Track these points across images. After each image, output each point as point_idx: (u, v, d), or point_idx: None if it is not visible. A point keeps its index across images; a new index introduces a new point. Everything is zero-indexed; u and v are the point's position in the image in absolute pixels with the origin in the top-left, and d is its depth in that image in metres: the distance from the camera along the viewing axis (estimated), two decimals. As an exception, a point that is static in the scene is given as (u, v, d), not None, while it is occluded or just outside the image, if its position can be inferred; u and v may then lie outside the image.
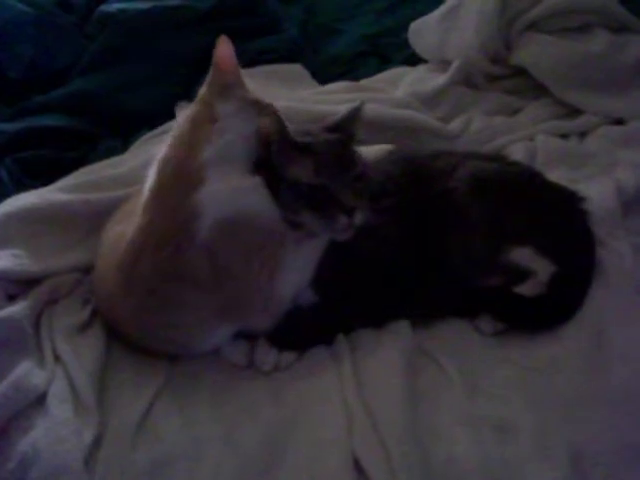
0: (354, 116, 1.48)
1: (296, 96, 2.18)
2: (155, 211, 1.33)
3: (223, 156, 1.35)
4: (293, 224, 1.39)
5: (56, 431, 1.22)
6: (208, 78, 1.45)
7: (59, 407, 1.26)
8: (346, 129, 1.47)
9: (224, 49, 1.43)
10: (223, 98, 1.41)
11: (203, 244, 1.30)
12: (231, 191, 1.34)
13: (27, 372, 1.30)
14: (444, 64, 2.35)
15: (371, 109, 1.98)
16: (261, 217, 1.36)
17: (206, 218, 1.30)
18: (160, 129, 2.04)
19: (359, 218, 1.36)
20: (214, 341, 1.42)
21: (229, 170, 1.35)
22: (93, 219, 1.58)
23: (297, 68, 2.44)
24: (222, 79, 1.43)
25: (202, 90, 1.46)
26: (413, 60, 2.50)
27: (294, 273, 1.40)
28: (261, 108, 1.42)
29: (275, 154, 1.39)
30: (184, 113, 1.46)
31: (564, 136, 2.10)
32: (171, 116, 2.12)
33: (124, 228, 1.39)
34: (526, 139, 2.07)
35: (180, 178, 1.33)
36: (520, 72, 2.28)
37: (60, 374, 1.33)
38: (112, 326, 1.44)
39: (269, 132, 1.39)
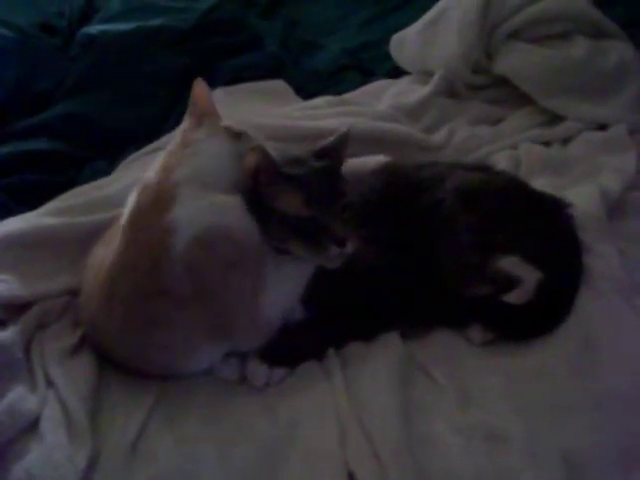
0: (342, 142, 1.49)
1: (280, 112, 2.18)
2: (133, 232, 1.35)
3: (194, 177, 1.39)
4: (279, 249, 1.40)
5: (50, 456, 1.22)
6: (186, 113, 1.57)
7: (53, 432, 1.26)
8: (334, 155, 1.48)
9: (200, 89, 1.56)
10: (196, 126, 1.51)
11: (180, 259, 1.31)
12: (204, 207, 1.36)
13: (20, 397, 1.29)
14: (426, 75, 2.37)
15: (354, 123, 1.99)
16: (237, 232, 1.37)
17: (181, 233, 1.32)
18: (145, 149, 2.04)
19: (350, 247, 1.38)
20: (203, 363, 1.42)
21: (202, 190, 1.38)
22: (81, 242, 1.57)
23: (280, 84, 2.45)
24: (197, 111, 1.53)
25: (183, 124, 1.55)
26: (395, 73, 2.51)
27: (281, 294, 1.41)
28: (233, 134, 1.50)
29: (264, 186, 1.41)
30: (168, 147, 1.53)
31: (547, 143, 2.11)
32: (157, 135, 2.13)
33: (106, 251, 1.40)
34: (510, 148, 2.08)
35: (155, 199, 1.36)
36: (502, 81, 2.29)
37: (52, 398, 1.33)
38: (99, 350, 1.44)
39: (255, 165, 1.41)
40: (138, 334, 1.36)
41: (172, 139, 1.53)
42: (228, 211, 1.38)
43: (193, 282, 1.32)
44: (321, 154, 1.47)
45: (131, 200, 1.42)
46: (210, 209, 1.36)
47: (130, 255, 1.33)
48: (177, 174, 1.39)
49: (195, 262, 1.32)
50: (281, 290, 1.41)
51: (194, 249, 1.32)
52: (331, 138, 1.50)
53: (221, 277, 1.35)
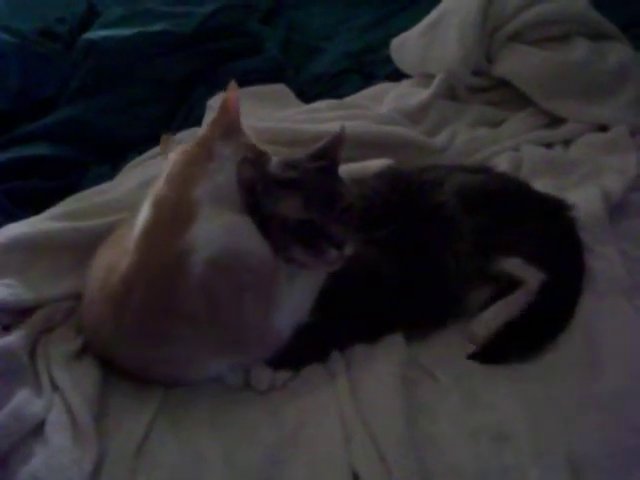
0: (336, 143, 1.50)
1: (281, 116, 2.19)
2: (148, 247, 1.33)
3: (216, 196, 1.38)
4: (284, 258, 1.40)
5: (56, 460, 1.22)
6: (211, 119, 1.54)
7: (58, 435, 1.26)
8: (330, 156, 1.48)
9: (232, 93, 1.52)
10: (223, 140, 1.48)
11: (196, 281, 1.30)
12: (223, 228, 1.35)
13: (25, 401, 1.29)
14: (427, 78, 2.38)
15: (356, 126, 2.00)
16: (253, 255, 1.37)
17: (198, 255, 1.30)
18: (148, 154, 2.05)
19: (349, 250, 1.38)
20: (209, 374, 1.42)
21: (221, 209, 1.37)
22: (84, 246, 1.57)
23: (281, 88, 2.45)
24: (226, 121, 1.51)
25: (202, 131, 1.53)
26: (396, 76, 2.52)
27: (292, 309, 1.41)
28: (258, 155, 1.49)
29: (261, 194, 1.41)
30: (179, 151, 1.50)
31: (549, 145, 2.12)
32: (159, 140, 2.13)
33: (113, 257, 1.39)
34: (511, 150, 2.09)
35: (173, 214, 1.35)
36: (503, 83, 2.31)
37: (58, 402, 1.33)
38: (101, 355, 1.43)
39: (250, 176, 1.41)
40: (146, 347, 1.36)
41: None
42: (244, 233, 1.38)
43: (207, 302, 1.32)
44: (317, 156, 1.48)
45: (145, 210, 1.39)
46: (227, 231, 1.35)
47: (145, 270, 1.32)
48: (199, 191, 1.37)
49: (210, 284, 1.31)
50: (292, 306, 1.41)
51: (210, 271, 1.31)
52: (326, 139, 1.50)
53: (235, 298, 1.34)
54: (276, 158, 1.48)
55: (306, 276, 1.44)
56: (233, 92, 1.51)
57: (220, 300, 1.33)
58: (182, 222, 1.33)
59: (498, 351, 1.46)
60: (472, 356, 1.46)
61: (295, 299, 1.42)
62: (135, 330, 1.34)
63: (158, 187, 1.42)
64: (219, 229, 1.34)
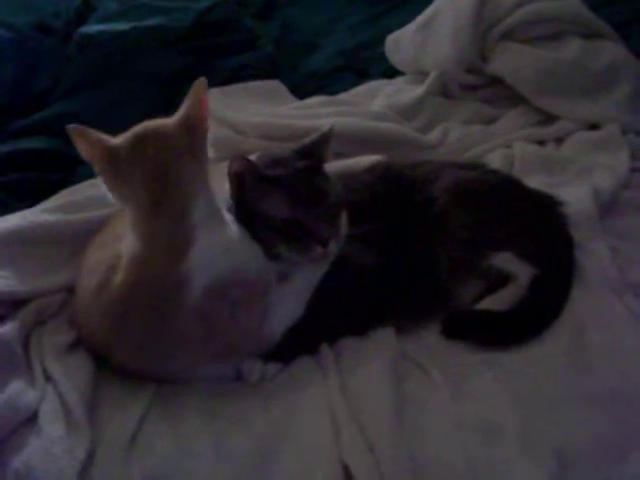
0: (325, 139, 1.51)
1: (275, 111, 2.20)
2: (142, 272, 1.31)
3: (209, 213, 1.35)
4: (270, 255, 1.42)
5: (49, 449, 1.22)
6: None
7: (51, 425, 1.27)
8: (316, 153, 1.49)
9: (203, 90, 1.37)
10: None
11: (194, 307, 1.31)
12: (220, 252, 1.34)
13: (18, 392, 1.30)
14: (421, 76, 2.39)
15: (349, 122, 2.01)
16: (249, 272, 1.37)
17: (197, 283, 1.30)
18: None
19: (334, 246, 1.41)
20: (204, 374, 1.42)
21: (213, 223, 1.35)
22: (77, 239, 1.58)
23: (275, 84, 2.46)
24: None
25: None
26: (390, 73, 2.53)
27: (284, 312, 1.42)
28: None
29: (249, 191, 1.42)
30: None
31: (541, 142, 2.13)
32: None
33: (103, 254, 1.40)
34: (503, 147, 2.10)
35: (169, 244, 1.31)
36: (496, 81, 2.31)
37: (51, 393, 1.34)
38: (95, 352, 1.44)
39: (239, 170, 1.42)
40: (142, 360, 1.38)
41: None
42: (240, 252, 1.37)
43: (205, 324, 1.33)
44: (303, 152, 1.49)
45: (130, 241, 1.34)
46: (225, 254, 1.34)
47: (140, 297, 1.31)
48: (196, 215, 1.31)
49: (209, 308, 1.32)
50: (285, 310, 1.42)
51: (209, 296, 1.31)
52: (313, 136, 1.51)
53: (230, 315, 1.35)
54: (260, 152, 1.49)
55: (298, 279, 1.45)
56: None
57: (217, 320, 1.34)
58: (177, 251, 1.31)
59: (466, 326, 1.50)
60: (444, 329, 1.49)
61: (288, 303, 1.43)
62: (131, 346, 1.35)
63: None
64: (216, 254, 1.33)
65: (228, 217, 1.41)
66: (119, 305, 1.33)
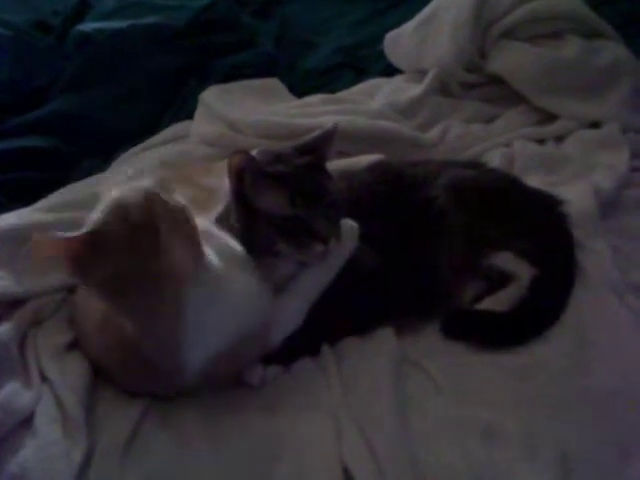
0: (327, 137, 1.49)
1: (274, 110, 2.19)
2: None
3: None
4: (270, 252, 1.40)
5: (45, 451, 1.22)
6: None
7: (48, 427, 1.26)
8: (318, 150, 1.47)
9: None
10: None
11: (198, 372, 1.29)
12: (212, 329, 1.28)
13: (14, 393, 1.29)
14: (420, 74, 2.37)
15: (348, 121, 2.00)
16: (251, 332, 1.34)
17: (190, 369, 1.28)
18: (139, 146, 2.05)
19: (334, 245, 1.39)
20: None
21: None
22: (75, 239, 1.57)
23: (274, 82, 2.45)
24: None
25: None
26: (389, 71, 2.52)
27: (284, 324, 1.41)
28: None
29: (249, 187, 1.41)
30: None
31: (541, 141, 2.12)
32: (151, 133, 2.13)
33: None
34: (503, 145, 2.08)
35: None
36: (495, 80, 2.30)
37: (47, 394, 1.33)
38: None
39: (239, 166, 1.40)
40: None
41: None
42: (242, 313, 1.32)
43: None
44: (304, 150, 1.47)
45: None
46: (218, 331, 1.29)
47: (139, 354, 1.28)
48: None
49: (207, 377, 1.31)
50: (286, 321, 1.41)
51: (213, 362, 1.29)
52: (315, 133, 1.50)
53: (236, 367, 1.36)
54: (260, 148, 1.48)
55: (300, 290, 1.44)
56: None
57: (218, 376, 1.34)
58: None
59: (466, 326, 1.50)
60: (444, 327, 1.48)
61: (288, 314, 1.42)
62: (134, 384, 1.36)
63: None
64: (210, 331, 1.27)
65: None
66: (119, 354, 1.31)
